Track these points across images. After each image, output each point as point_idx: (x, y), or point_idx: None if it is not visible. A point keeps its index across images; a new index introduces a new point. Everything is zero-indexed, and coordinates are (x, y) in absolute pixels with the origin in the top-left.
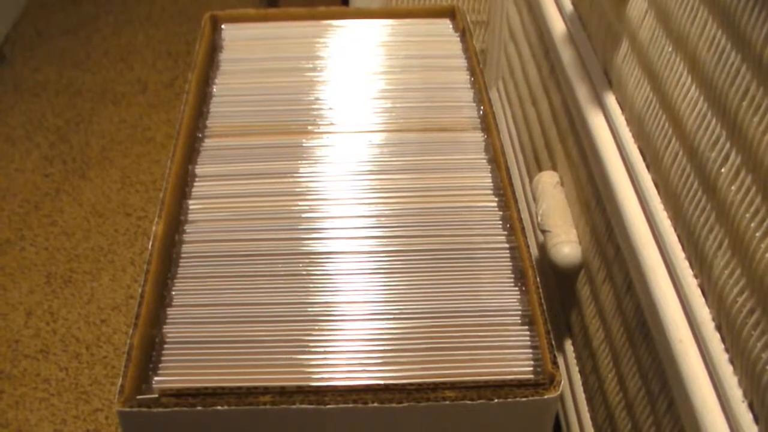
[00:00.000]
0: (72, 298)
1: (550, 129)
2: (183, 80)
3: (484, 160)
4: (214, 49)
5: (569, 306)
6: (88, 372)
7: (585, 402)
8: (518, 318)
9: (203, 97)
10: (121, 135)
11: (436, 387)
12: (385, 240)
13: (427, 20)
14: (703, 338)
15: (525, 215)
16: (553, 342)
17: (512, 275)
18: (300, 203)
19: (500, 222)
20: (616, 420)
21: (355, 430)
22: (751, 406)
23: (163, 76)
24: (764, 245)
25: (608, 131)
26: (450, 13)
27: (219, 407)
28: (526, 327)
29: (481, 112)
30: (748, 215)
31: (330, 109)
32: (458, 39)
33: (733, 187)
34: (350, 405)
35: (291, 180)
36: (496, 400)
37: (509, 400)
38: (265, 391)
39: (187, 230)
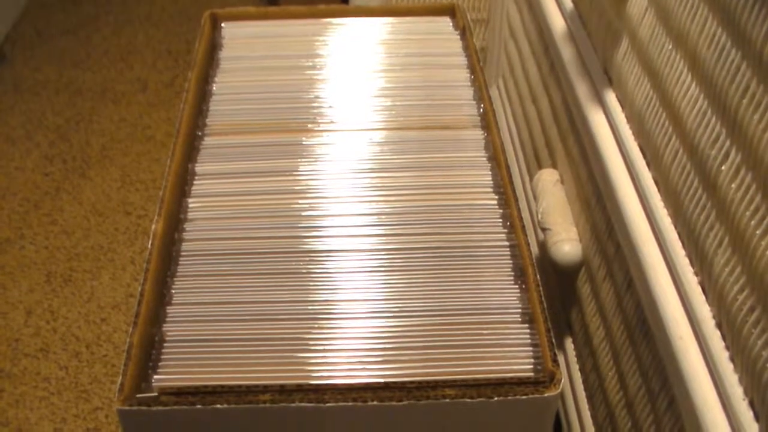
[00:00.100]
0: (72, 297)
1: (550, 127)
2: (183, 79)
3: (484, 158)
4: (213, 47)
5: (569, 304)
6: (88, 371)
7: (585, 400)
8: (518, 316)
9: (203, 95)
10: (121, 134)
11: (436, 385)
12: (384, 238)
13: (427, 18)
14: (703, 336)
15: (525, 213)
16: (554, 340)
17: (512, 273)
18: (300, 201)
19: (500, 220)
20: (616, 418)
21: (355, 429)
22: (751, 404)
23: (163, 75)
24: (764, 243)
25: (608, 129)
26: (450, 11)
27: (218, 406)
28: (527, 325)
29: (481, 110)
30: (748, 213)
31: (330, 107)
32: (458, 37)
33: (733, 185)
34: (350, 403)
35: (291, 178)
36: (496, 398)
37: (509, 398)
38: (265, 389)
39: (187, 228)
